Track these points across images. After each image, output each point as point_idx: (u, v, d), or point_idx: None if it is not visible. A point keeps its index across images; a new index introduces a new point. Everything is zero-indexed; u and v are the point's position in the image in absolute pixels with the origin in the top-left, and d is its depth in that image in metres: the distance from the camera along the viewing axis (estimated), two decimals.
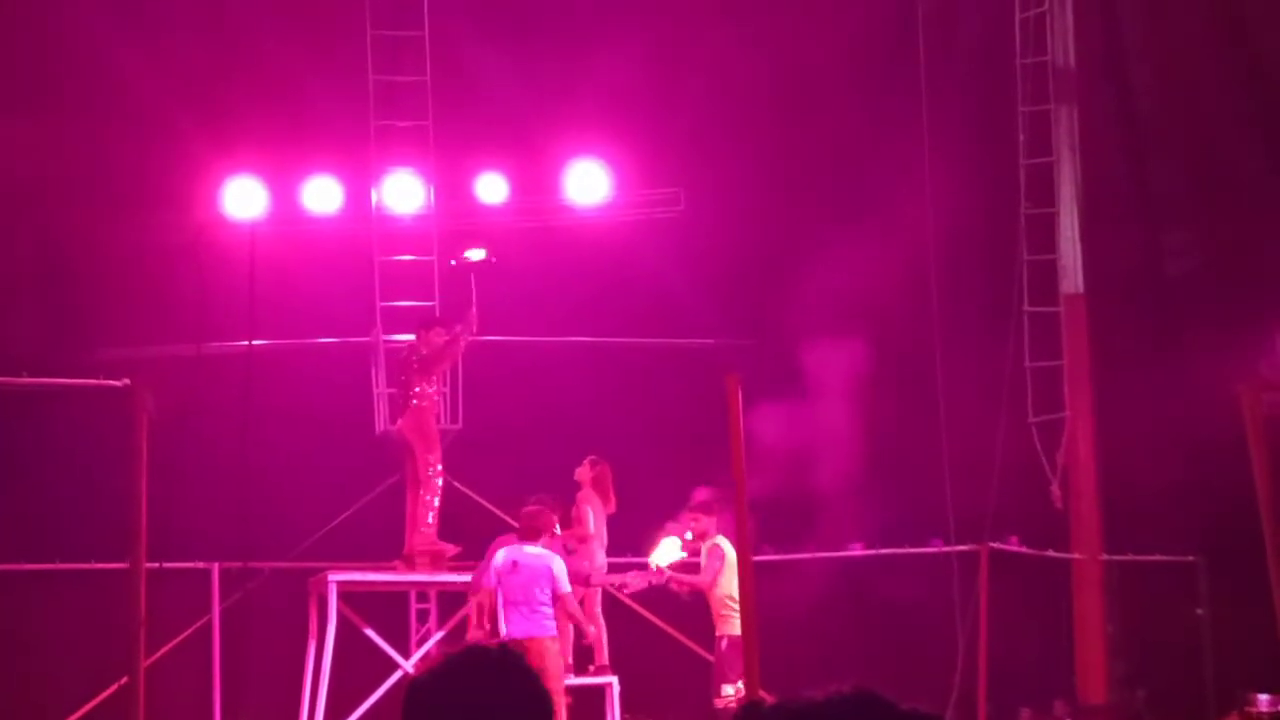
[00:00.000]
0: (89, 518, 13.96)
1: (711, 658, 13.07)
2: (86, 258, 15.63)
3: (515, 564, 12.21)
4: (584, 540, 13.06)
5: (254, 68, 15.67)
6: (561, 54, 16.20)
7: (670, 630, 14.90)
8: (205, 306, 15.01)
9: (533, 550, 12.31)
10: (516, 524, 12.70)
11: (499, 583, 12.20)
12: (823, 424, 14.93)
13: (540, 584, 12.18)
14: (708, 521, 12.85)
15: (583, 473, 13.42)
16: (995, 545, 14.76)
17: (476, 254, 14.22)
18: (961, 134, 15.80)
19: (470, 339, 13.95)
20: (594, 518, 13.30)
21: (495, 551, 12.53)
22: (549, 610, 12.17)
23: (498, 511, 14.88)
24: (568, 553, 12.80)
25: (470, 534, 14.42)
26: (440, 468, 13.75)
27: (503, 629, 12.13)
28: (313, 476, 15.22)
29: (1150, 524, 15.41)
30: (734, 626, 12.21)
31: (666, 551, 13.13)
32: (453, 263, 14.30)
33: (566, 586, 12.25)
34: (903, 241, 15.46)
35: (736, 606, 12.00)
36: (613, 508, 13.49)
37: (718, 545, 12.80)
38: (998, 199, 15.76)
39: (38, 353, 14.29)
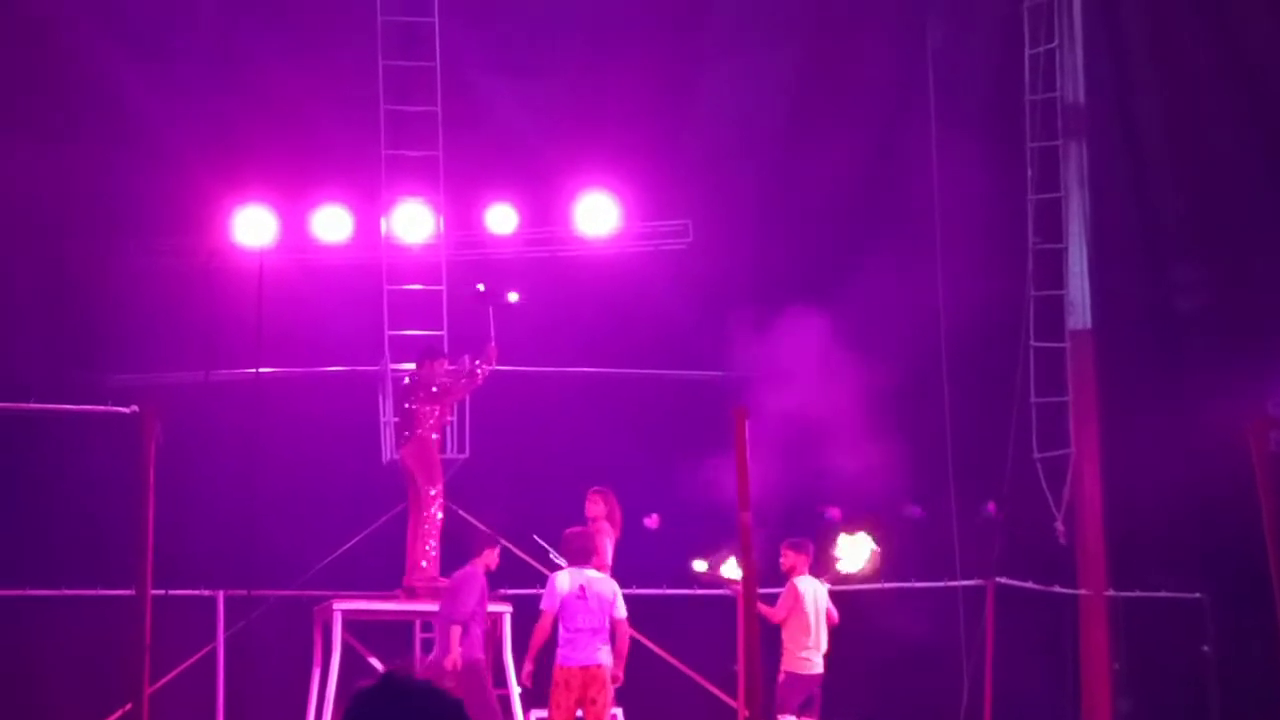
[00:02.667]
0: (95, 543, 13.98)
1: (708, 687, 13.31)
2: (97, 284, 15.68)
3: (584, 588, 11.96)
4: (601, 570, 12.98)
5: (265, 97, 15.73)
6: (571, 86, 16.26)
7: (676, 663, 14.87)
8: (214, 334, 15.03)
9: (597, 575, 12.13)
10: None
11: (563, 608, 11.91)
12: (829, 457, 14.92)
13: (607, 610, 11.98)
14: (796, 558, 13.01)
15: (595, 508, 13.38)
16: (1002, 580, 14.74)
17: (513, 296, 14.26)
18: (970, 168, 15.83)
19: (489, 372, 13.90)
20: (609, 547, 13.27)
21: None
22: (608, 638, 11.99)
23: (503, 540, 14.87)
24: None
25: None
26: (441, 500, 13.69)
27: (573, 656, 11.89)
28: (319, 505, 15.23)
29: (1156, 560, 15.39)
30: (791, 663, 12.89)
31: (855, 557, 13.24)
32: (481, 287, 14.30)
33: (624, 611, 12.13)
34: (911, 275, 15.49)
35: (795, 646, 12.76)
36: (618, 533, 13.49)
37: (794, 585, 12.99)
38: (1006, 233, 15.78)
39: (46, 378, 14.34)
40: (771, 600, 13.02)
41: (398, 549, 13.99)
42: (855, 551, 13.46)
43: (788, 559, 13.02)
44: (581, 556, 12.16)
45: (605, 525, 13.26)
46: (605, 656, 11.93)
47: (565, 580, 12.02)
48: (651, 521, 15.25)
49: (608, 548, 13.12)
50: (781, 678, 12.97)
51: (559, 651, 11.94)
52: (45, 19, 15.58)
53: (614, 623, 11.99)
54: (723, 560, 13.20)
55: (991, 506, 15.38)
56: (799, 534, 13.52)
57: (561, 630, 11.92)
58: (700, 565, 13.40)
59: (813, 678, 12.88)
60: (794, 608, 12.90)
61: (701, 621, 13.96)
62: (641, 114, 16.18)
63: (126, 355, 15.45)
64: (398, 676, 3.52)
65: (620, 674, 12.26)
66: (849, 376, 14.75)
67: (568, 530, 12.49)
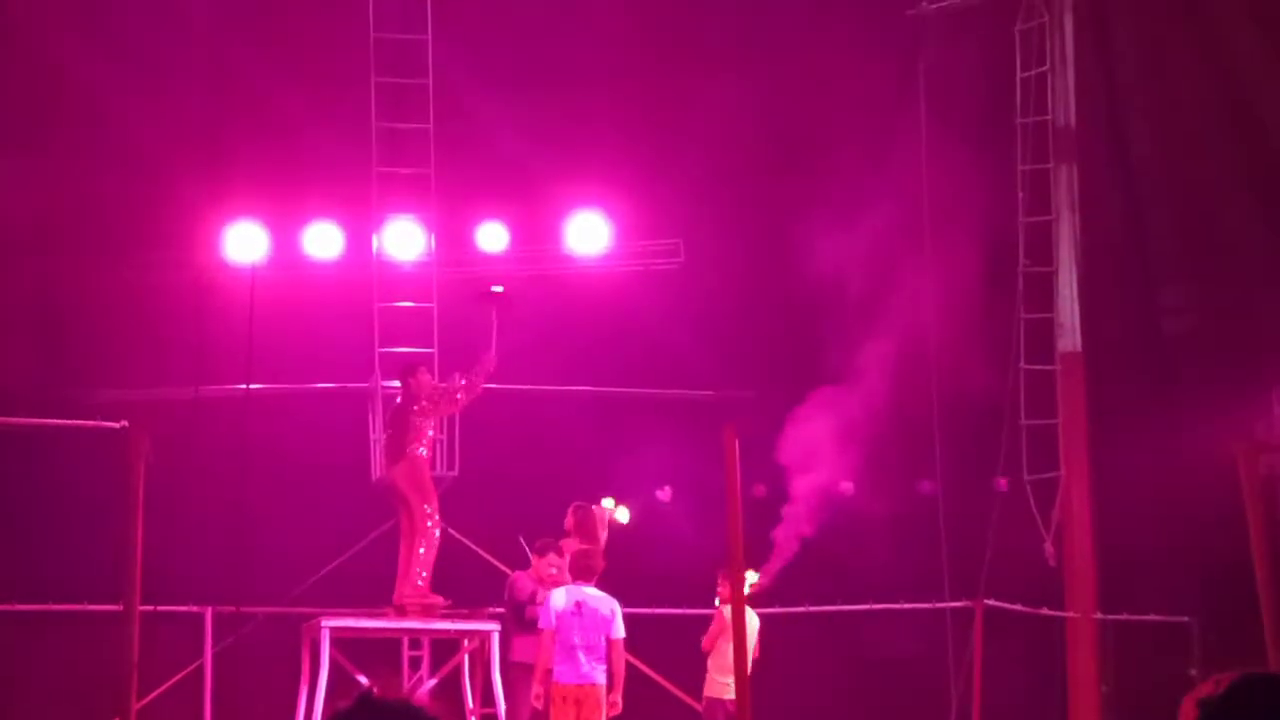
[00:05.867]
0: (83, 559, 13.94)
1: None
2: (87, 299, 15.66)
3: (580, 605, 11.86)
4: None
5: (257, 113, 15.75)
6: (563, 104, 16.28)
7: (666, 684, 14.84)
8: (204, 350, 15.02)
9: (594, 593, 12.00)
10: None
11: (559, 625, 11.84)
12: (819, 477, 14.93)
13: (603, 629, 11.84)
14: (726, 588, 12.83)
15: (568, 521, 13.35)
16: (990, 602, 14.74)
17: (496, 288, 14.15)
18: (961, 191, 15.86)
19: (485, 381, 13.83)
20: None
21: None
22: (604, 656, 11.85)
23: (492, 559, 14.86)
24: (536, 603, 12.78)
25: (465, 581, 14.39)
26: (438, 517, 13.67)
27: (568, 673, 11.79)
28: (308, 521, 15.20)
29: (1145, 583, 15.40)
30: (713, 688, 12.88)
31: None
32: (498, 288, 14.25)
33: (621, 632, 12.00)
34: (901, 297, 15.51)
35: (718, 672, 12.64)
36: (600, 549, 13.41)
37: (721, 613, 12.83)
38: (997, 256, 15.81)
39: (35, 393, 14.33)
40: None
41: (387, 566, 13.96)
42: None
43: (722, 588, 12.70)
44: (584, 574, 12.08)
45: (575, 541, 13.16)
46: (600, 676, 11.82)
47: (561, 597, 11.96)
48: (664, 494, 15.28)
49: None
50: (704, 704, 13.00)
51: (555, 669, 11.85)
52: (35, 34, 15.59)
53: (609, 643, 11.88)
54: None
55: (1003, 482, 15.34)
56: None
57: (557, 647, 11.84)
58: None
59: (733, 702, 12.80)
60: (721, 635, 12.79)
61: (695, 642, 13.91)
62: (633, 133, 16.21)
63: (116, 370, 15.42)
64: (374, 696, 3.51)
65: (618, 698, 12.06)
66: (838, 397, 14.76)
67: (575, 548, 12.45)
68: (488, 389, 13.95)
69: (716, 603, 13.06)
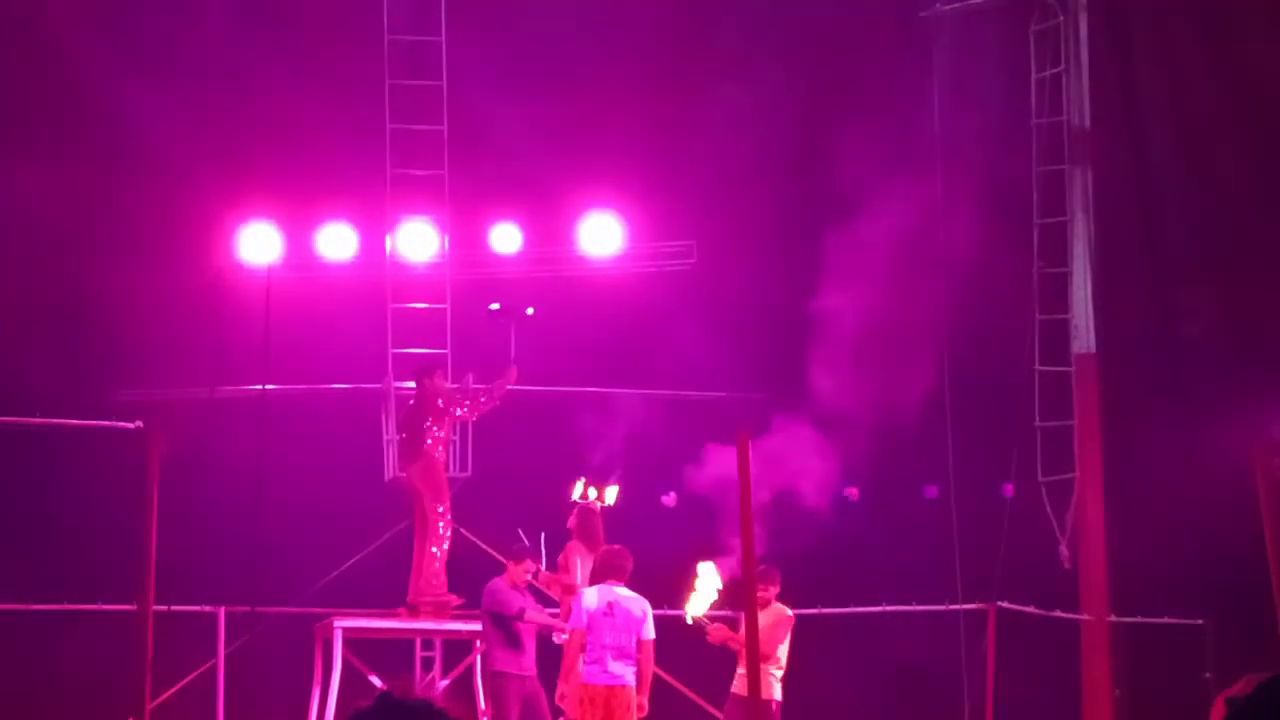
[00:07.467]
0: (99, 558, 13.99)
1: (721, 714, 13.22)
2: (103, 301, 15.71)
3: (612, 605, 11.69)
4: (571, 590, 12.85)
5: (271, 115, 15.78)
6: (577, 106, 16.30)
7: (680, 686, 14.84)
8: (220, 351, 15.06)
9: (626, 593, 11.80)
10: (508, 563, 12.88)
11: (590, 626, 11.66)
12: (831, 479, 14.92)
13: (634, 629, 11.67)
14: (770, 591, 12.62)
15: (570, 522, 13.33)
16: (1004, 604, 14.73)
17: (530, 310, 14.28)
18: (976, 192, 15.85)
19: (505, 393, 13.93)
20: (582, 567, 13.11)
21: None
22: (634, 658, 11.68)
23: (503, 559, 14.88)
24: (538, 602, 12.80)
25: (477, 581, 14.41)
26: (449, 518, 13.72)
27: (597, 674, 11.63)
28: (322, 521, 15.23)
29: (1158, 586, 15.38)
30: (771, 690, 12.51)
31: (704, 596, 12.81)
32: (495, 306, 14.33)
33: (653, 633, 11.81)
34: (915, 298, 15.50)
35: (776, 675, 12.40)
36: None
37: (780, 611, 12.71)
38: (1011, 257, 15.80)
39: (53, 394, 14.37)
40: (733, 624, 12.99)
41: (401, 566, 14.00)
42: (705, 591, 12.99)
43: (764, 594, 12.44)
44: (613, 573, 11.90)
45: (578, 543, 13.14)
46: (630, 676, 11.65)
47: (593, 597, 11.82)
48: (669, 499, 15.26)
49: (577, 565, 13.00)
50: (775, 706, 12.77)
51: (584, 669, 11.70)
52: (53, 41, 15.65)
53: (639, 644, 11.70)
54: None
55: (1009, 488, 15.34)
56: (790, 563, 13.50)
57: (587, 648, 11.72)
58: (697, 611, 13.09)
59: (779, 703, 12.76)
60: (777, 629, 12.63)
61: (707, 644, 13.92)
62: (647, 135, 16.22)
63: (133, 371, 15.47)
64: (394, 696, 3.52)
65: (644, 701, 11.86)
66: (851, 400, 14.75)
67: (605, 548, 12.41)
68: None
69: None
